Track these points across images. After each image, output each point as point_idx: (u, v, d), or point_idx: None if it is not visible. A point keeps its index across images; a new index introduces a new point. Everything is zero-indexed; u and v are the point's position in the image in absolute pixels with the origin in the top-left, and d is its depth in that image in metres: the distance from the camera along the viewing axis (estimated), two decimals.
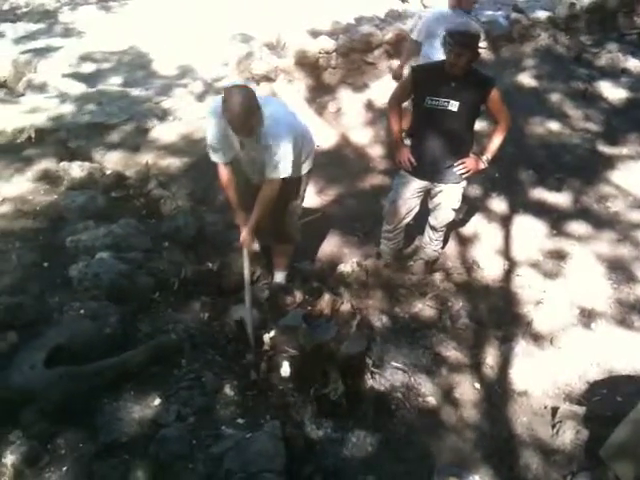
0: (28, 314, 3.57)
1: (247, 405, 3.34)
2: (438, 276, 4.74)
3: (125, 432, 3.03)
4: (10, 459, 2.99)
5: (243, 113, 3.32)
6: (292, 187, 3.96)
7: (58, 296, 3.77)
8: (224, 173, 3.86)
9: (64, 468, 2.97)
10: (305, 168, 4.00)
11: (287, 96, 6.65)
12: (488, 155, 4.18)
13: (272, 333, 3.66)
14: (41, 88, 7.08)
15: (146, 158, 5.63)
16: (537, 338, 4.26)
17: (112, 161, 5.53)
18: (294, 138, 3.66)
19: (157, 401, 3.18)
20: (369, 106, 6.93)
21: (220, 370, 3.51)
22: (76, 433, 3.11)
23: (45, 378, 3.15)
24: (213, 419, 3.15)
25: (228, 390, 3.36)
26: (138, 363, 3.31)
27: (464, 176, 4.19)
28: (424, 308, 4.41)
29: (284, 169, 3.63)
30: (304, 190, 4.16)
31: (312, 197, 5.63)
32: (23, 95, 6.98)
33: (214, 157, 3.80)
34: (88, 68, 7.75)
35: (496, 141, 4.15)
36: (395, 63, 6.64)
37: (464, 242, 5.17)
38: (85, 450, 3.04)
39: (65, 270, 3.95)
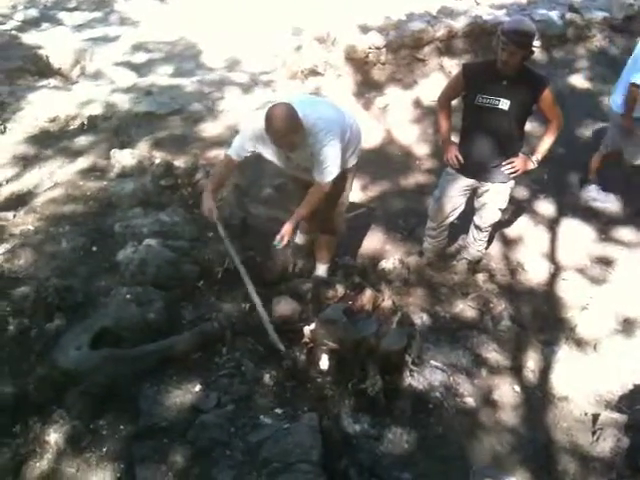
0: (76, 297, 3.66)
1: (285, 396, 3.37)
2: (481, 277, 4.70)
3: (165, 416, 3.09)
4: (53, 437, 3.09)
5: (285, 130, 3.38)
6: (339, 180, 3.97)
7: (105, 280, 3.86)
8: (224, 164, 3.98)
9: (104, 448, 3.06)
10: (352, 161, 4.00)
11: (335, 91, 6.66)
12: (538, 156, 4.11)
13: (312, 326, 3.67)
14: (95, 76, 7.25)
15: (194, 148, 5.71)
16: (580, 343, 4.19)
17: (161, 150, 5.61)
18: (341, 137, 3.67)
19: (198, 387, 3.24)
20: (417, 103, 6.88)
21: (260, 360, 3.55)
22: (118, 415, 3.20)
23: (90, 360, 3.23)
24: (252, 408, 3.18)
25: (267, 380, 3.39)
26: (181, 349, 3.37)
27: (512, 176, 4.14)
28: (466, 308, 4.38)
29: (332, 172, 3.65)
30: (351, 182, 4.16)
31: (356, 193, 5.63)
32: (77, 83, 7.15)
33: (230, 151, 3.86)
34: (141, 58, 7.87)
35: (547, 142, 4.08)
36: (446, 60, 6.59)
37: (509, 243, 5.11)
38: (125, 432, 3.12)
39: (113, 255, 4.05)
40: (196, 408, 3.11)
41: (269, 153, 3.80)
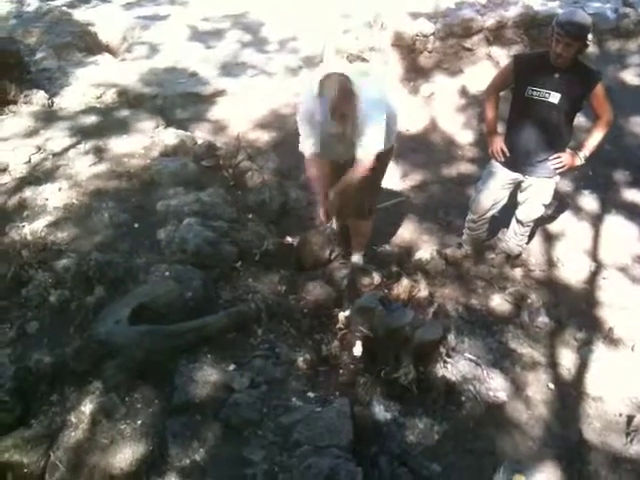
0: (116, 271, 3.72)
1: (318, 380, 3.39)
2: (519, 271, 4.65)
3: (199, 393, 3.12)
4: (89, 408, 3.16)
5: (340, 97, 3.34)
6: (374, 163, 3.95)
7: (145, 257, 3.91)
8: (314, 166, 3.89)
9: (138, 422, 3.11)
10: (387, 145, 3.96)
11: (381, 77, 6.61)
12: (586, 152, 4.02)
13: (348, 312, 3.68)
14: (142, 54, 7.30)
15: (236, 130, 5.73)
16: (618, 344, 4.12)
17: (204, 130, 5.66)
18: (385, 118, 3.65)
19: (232, 367, 3.27)
20: (463, 92, 6.81)
21: (294, 343, 3.57)
22: (153, 390, 3.24)
23: (128, 334, 3.29)
24: (284, 390, 3.20)
25: (301, 363, 3.41)
26: (217, 328, 3.40)
27: (558, 171, 4.06)
28: (502, 302, 4.33)
29: (376, 146, 3.64)
30: (385, 168, 4.13)
31: (396, 182, 5.61)
32: (124, 60, 7.22)
33: (305, 146, 3.81)
34: (190, 38, 7.90)
35: (595, 137, 3.99)
36: (494, 50, 6.50)
37: (550, 239, 5.04)
38: (160, 407, 3.16)
39: (154, 233, 4.11)
40: (230, 387, 3.14)
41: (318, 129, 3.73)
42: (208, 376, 3.20)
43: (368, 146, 3.62)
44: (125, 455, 2.98)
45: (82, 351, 3.33)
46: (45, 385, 3.30)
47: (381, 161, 3.96)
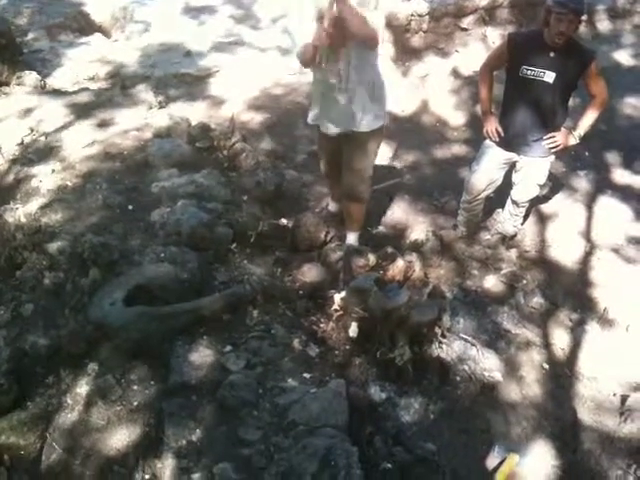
0: (111, 253, 3.69)
1: (313, 361, 3.39)
2: (514, 252, 4.65)
3: (195, 374, 3.13)
4: (84, 389, 3.16)
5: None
6: (365, 143, 3.94)
7: (140, 239, 3.89)
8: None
9: (134, 403, 3.11)
10: (378, 123, 3.95)
11: None
12: (580, 131, 4.01)
13: (343, 294, 3.68)
14: (135, 35, 7.23)
15: (230, 110, 5.70)
16: (612, 324, 4.14)
17: (198, 111, 5.62)
18: (378, 91, 3.68)
19: (228, 348, 3.26)
20: (456, 73, 6.77)
21: (290, 324, 3.57)
22: (148, 371, 3.24)
23: (124, 315, 3.28)
24: (280, 371, 3.20)
25: (296, 345, 3.41)
26: (213, 310, 3.39)
27: (553, 151, 4.06)
28: (497, 283, 4.34)
29: (368, 123, 3.70)
30: (377, 147, 4.12)
31: (391, 163, 5.59)
32: (117, 41, 7.16)
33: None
34: (183, 19, 7.82)
35: (590, 117, 3.98)
36: (489, 30, 6.46)
37: (545, 220, 5.04)
38: (156, 388, 3.17)
39: (148, 214, 4.08)
40: (225, 368, 3.14)
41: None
42: (204, 357, 3.20)
43: (361, 122, 3.64)
44: (121, 436, 2.99)
45: (77, 333, 3.33)
46: (40, 367, 3.30)
47: (373, 138, 3.95)
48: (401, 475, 2.91)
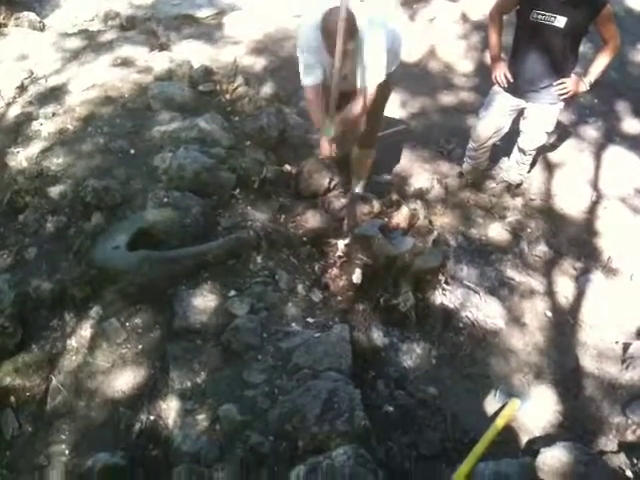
0: (114, 198, 3.68)
1: (317, 307, 3.40)
2: (520, 201, 4.61)
3: (199, 319, 3.14)
4: (89, 333, 3.19)
5: (344, 37, 3.13)
6: (377, 91, 3.85)
7: (143, 183, 3.85)
8: (314, 96, 3.70)
9: (139, 346, 3.15)
10: (390, 69, 3.85)
11: (379, 1, 6.39)
12: (591, 77, 3.92)
13: (347, 240, 3.67)
14: None
15: (233, 54, 5.58)
16: (616, 273, 4.14)
17: (200, 54, 5.50)
18: (388, 42, 3.53)
19: (232, 293, 3.27)
20: (465, 17, 6.58)
21: (293, 270, 3.56)
22: (153, 315, 3.26)
23: (127, 259, 3.28)
24: (284, 316, 3.22)
25: (300, 290, 3.42)
26: (216, 255, 3.37)
27: (562, 97, 3.97)
28: (502, 232, 4.31)
29: (377, 78, 3.53)
30: (388, 95, 4.03)
31: (397, 110, 5.50)
32: None
33: (307, 79, 3.62)
34: None
35: (601, 63, 3.88)
36: None
37: (551, 168, 4.98)
38: (160, 332, 3.20)
39: (150, 159, 4.03)
40: (230, 313, 3.15)
41: (319, 60, 3.57)
42: (208, 302, 3.21)
43: (370, 77, 3.51)
44: (126, 378, 3.03)
45: (81, 277, 3.33)
46: (45, 311, 3.32)
47: (383, 89, 3.86)
48: (402, 418, 2.96)
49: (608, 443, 3.18)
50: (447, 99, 5.75)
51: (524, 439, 3.14)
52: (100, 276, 3.33)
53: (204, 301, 3.20)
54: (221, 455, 2.57)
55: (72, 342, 3.18)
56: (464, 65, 6.17)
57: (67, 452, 2.82)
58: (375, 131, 4.13)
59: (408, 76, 5.87)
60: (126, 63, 5.12)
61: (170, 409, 2.83)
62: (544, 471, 2.64)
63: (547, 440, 2.97)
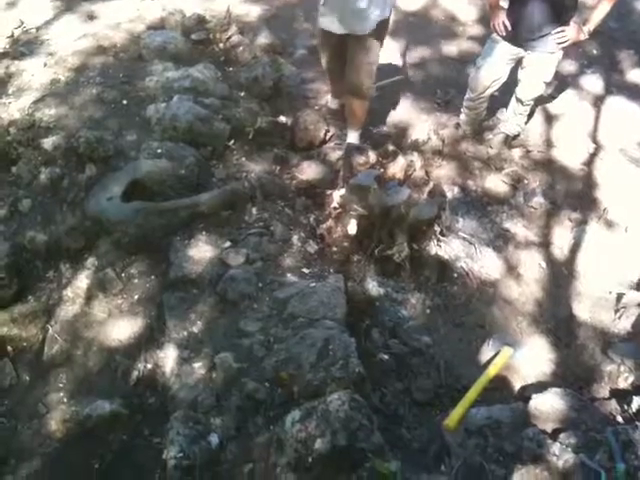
0: (107, 149, 3.64)
1: (312, 257, 3.40)
2: (517, 152, 4.57)
3: (195, 269, 3.15)
4: (85, 283, 3.21)
5: None
6: (369, 37, 3.79)
7: (136, 134, 3.81)
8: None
9: (135, 296, 3.17)
10: (384, 14, 3.78)
11: None
12: (590, 26, 3.84)
13: (342, 191, 3.65)
14: None
15: (226, 2, 5.45)
16: (612, 225, 4.13)
17: (192, 3, 5.37)
18: None
19: (227, 244, 3.27)
20: None
21: (289, 222, 3.56)
22: (148, 265, 3.28)
23: (122, 210, 3.27)
24: (279, 266, 3.23)
25: (295, 241, 3.42)
26: (211, 206, 3.37)
27: (561, 46, 3.90)
28: (498, 183, 4.29)
29: (374, 19, 3.50)
30: (382, 41, 3.97)
31: (394, 59, 5.41)
32: None
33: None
34: None
35: (601, 10, 3.79)
36: None
37: (549, 120, 4.92)
38: (156, 282, 3.21)
39: (144, 109, 3.98)
40: (225, 263, 3.15)
41: None
42: (203, 252, 3.22)
43: (366, 19, 3.46)
44: (123, 328, 3.05)
45: (76, 228, 3.34)
46: (40, 262, 3.33)
47: (378, 34, 3.80)
48: (397, 365, 3.00)
49: (600, 390, 3.22)
50: (446, 48, 5.65)
51: (517, 386, 3.17)
52: (94, 227, 3.33)
53: (199, 252, 3.21)
54: (217, 402, 2.61)
55: (68, 293, 3.20)
56: (465, 13, 6.04)
57: (65, 400, 2.85)
58: (370, 80, 4.06)
59: (407, 25, 5.77)
60: (117, 12, 5.01)
61: (167, 358, 2.86)
62: (536, 416, 2.69)
63: (539, 387, 3.00)
